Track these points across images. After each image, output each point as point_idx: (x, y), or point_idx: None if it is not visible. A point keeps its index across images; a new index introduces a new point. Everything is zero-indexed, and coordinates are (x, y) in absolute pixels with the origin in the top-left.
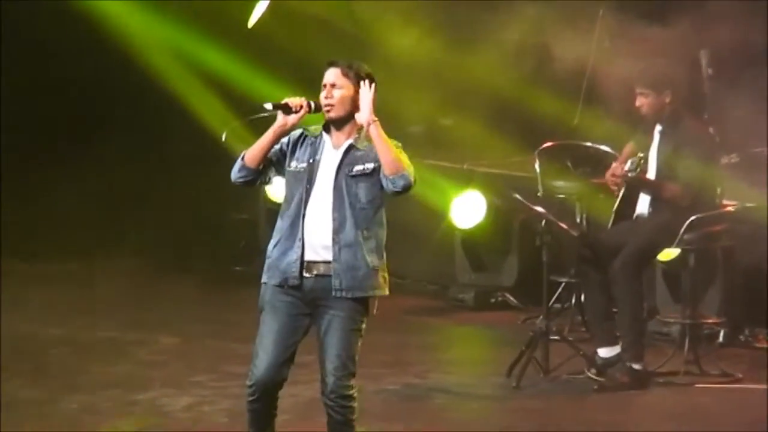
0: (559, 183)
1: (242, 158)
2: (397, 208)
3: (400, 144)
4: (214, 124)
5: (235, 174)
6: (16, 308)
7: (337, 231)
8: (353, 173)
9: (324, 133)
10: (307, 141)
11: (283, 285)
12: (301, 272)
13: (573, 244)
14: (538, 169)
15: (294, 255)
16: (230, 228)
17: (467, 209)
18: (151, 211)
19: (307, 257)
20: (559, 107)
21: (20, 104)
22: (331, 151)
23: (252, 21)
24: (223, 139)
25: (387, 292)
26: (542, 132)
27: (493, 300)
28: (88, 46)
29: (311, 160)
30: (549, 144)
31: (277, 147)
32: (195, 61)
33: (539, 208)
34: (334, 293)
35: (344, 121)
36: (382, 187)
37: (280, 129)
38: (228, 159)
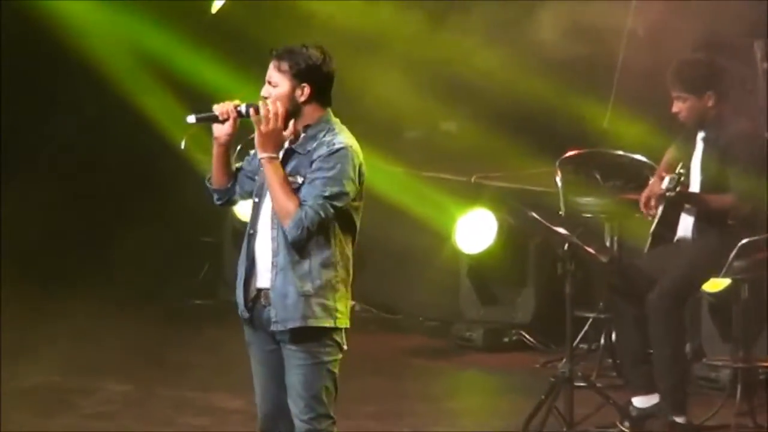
0: (585, 199)
1: (208, 180)
2: (389, 230)
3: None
4: (173, 130)
5: (213, 198)
6: None
7: (274, 253)
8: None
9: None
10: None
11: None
12: (246, 302)
13: (602, 272)
14: (559, 183)
15: (241, 282)
16: (191, 252)
17: (474, 231)
18: (99, 230)
19: (258, 284)
20: (585, 108)
21: None
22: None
23: (216, 6)
24: (182, 146)
25: (332, 324)
26: (565, 137)
27: (505, 339)
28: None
29: (261, 168)
30: (573, 152)
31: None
32: (144, 52)
33: (561, 230)
34: (272, 326)
35: (287, 122)
36: None
37: (217, 143)
38: (186, 172)
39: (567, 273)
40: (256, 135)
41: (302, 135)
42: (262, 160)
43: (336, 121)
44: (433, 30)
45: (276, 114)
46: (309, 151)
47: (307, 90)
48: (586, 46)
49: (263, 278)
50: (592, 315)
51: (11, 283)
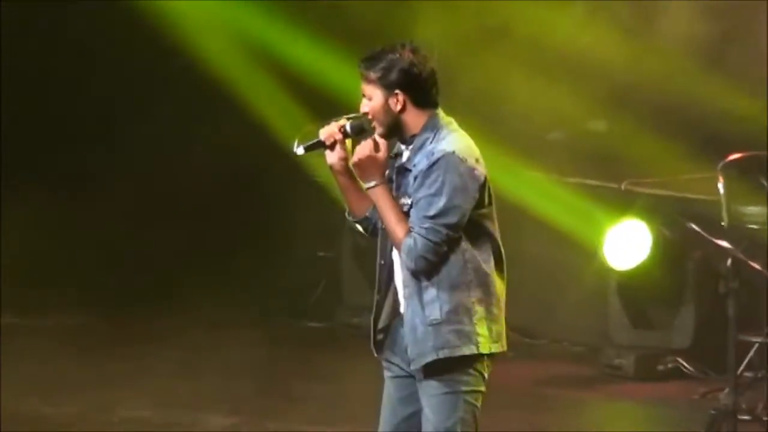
0: (752, 208)
1: (348, 213)
2: (529, 243)
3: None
4: (285, 132)
5: (361, 233)
6: None
7: (405, 283)
8: (403, 210)
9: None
10: (393, 151)
11: None
12: (375, 336)
13: None
14: (722, 190)
15: (372, 316)
16: (304, 268)
17: (625, 244)
18: (205, 247)
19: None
20: (749, 105)
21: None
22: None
23: None
24: (295, 149)
25: (473, 350)
26: (728, 139)
27: (660, 367)
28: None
29: (389, 182)
30: (737, 155)
31: None
32: (253, 44)
33: (724, 243)
34: (410, 364)
35: (391, 133)
36: None
37: (335, 173)
38: (299, 178)
39: (730, 292)
40: (357, 159)
41: (410, 148)
42: (367, 191)
43: (446, 122)
44: (577, 24)
45: (372, 142)
46: (416, 165)
47: (401, 97)
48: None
49: (395, 306)
50: (758, 339)
51: (117, 304)
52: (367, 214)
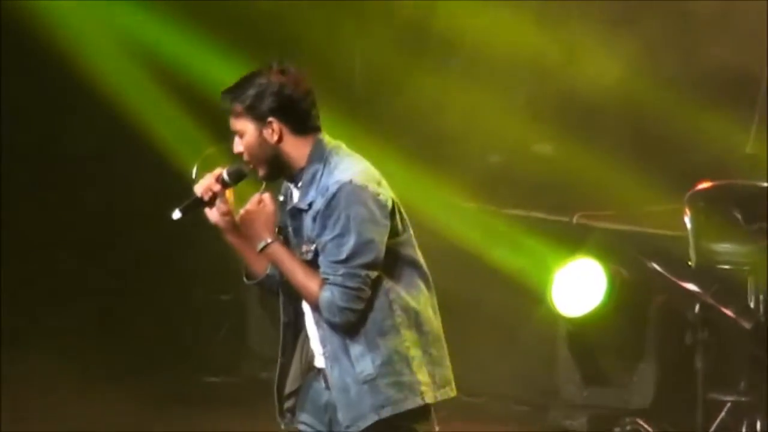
0: (723, 246)
1: (246, 277)
2: (465, 286)
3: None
4: (180, 150)
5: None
6: None
7: (323, 341)
8: (303, 255)
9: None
10: (281, 193)
11: None
12: (282, 406)
13: (743, 341)
14: (689, 225)
15: (275, 383)
16: (202, 312)
17: (577, 287)
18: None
19: (317, 364)
20: (722, 127)
21: None
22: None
23: None
24: (193, 175)
25: (417, 402)
26: (696, 166)
27: (617, 430)
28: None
29: (281, 232)
30: (706, 185)
31: None
32: (149, 53)
33: (691, 286)
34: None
35: (277, 172)
36: None
37: (223, 231)
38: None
39: (698, 343)
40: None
41: (299, 185)
42: (260, 253)
43: (333, 147)
44: (521, 32)
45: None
46: (312, 203)
47: (276, 126)
48: (724, 54)
49: (320, 360)
50: (731, 398)
51: None
52: (267, 272)
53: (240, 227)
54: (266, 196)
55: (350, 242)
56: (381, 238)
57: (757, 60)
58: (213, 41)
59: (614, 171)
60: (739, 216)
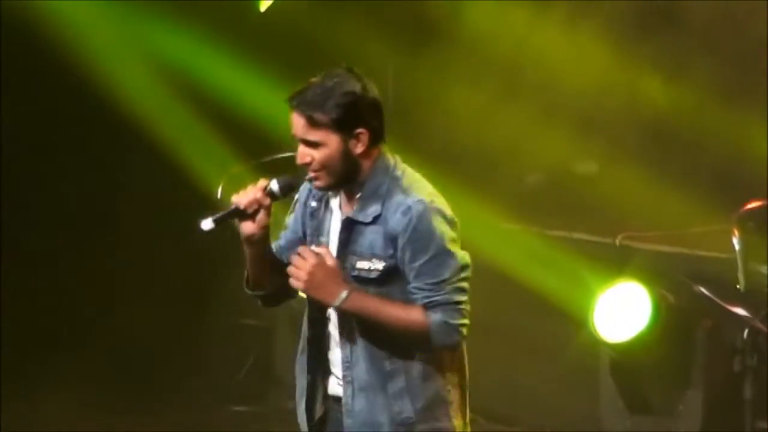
0: None
1: (245, 282)
2: (503, 310)
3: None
4: (206, 170)
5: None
6: None
7: (347, 362)
8: (356, 273)
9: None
10: (311, 197)
11: None
12: (311, 424)
13: None
14: (738, 246)
15: (302, 400)
16: (228, 339)
17: (621, 312)
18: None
19: (333, 391)
20: None
21: None
22: (336, 224)
23: (266, 3)
24: (219, 195)
25: None
26: (746, 184)
27: None
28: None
29: (314, 243)
30: (755, 204)
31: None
32: (170, 70)
33: (740, 310)
34: None
35: (342, 183)
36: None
37: (248, 244)
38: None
39: (747, 370)
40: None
41: (358, 196)
42: (339, 308)
43: (396, 162)
44: (564, 46)
45: (306, 254)
46: (377, 217)
47: (365, 137)
48: None
49: (337, 388)
50: None
51: None
52: (271, 288)
53: (311, 286)
54: (324, 250)
55: (449, 261)
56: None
57: None
58: (242, 58)
59: (659, 190)
60: None
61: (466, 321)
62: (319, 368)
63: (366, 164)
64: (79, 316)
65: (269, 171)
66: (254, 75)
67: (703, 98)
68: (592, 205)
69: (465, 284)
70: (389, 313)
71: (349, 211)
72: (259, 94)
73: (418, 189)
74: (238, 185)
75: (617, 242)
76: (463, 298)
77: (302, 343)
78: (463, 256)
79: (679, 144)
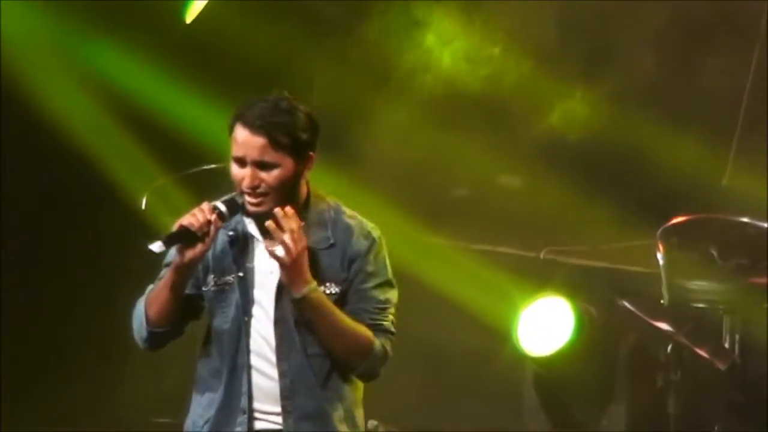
0: (698, 283)
1: (146, 319)
2: (427, 324)
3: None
4: (130, 182)
5: (141, 341)
6: None
7: (286, 393)
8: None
9: (244, 217)
10: (222, 230)
11: None
12: None
13: (719, 383)
14: (662, 261)
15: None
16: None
17: (544, 326)
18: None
19: (258, 427)
20: (698, 157)
21: None
22: (265, 254)
23: (192, 13)
24: (143, 206)
25: None
26: (669, 198)
27: None
28: None
29: (241, 272)
30: (680, 219)
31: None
32: (94, 79)
33: (664, 325)
34: None
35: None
36: None
37: (182, 266)
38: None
39: (671, 385)
40: (281, 268)
41: (302, 224)
42: (302, 299)
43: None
44: (487, 59)
45: (299, 226)
46: (334, 243)
47: (311, 161)
48: (701, 76)
49: (262, 423)
50: None
51: None
52: (170, 326)
53: (286, 270)
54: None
55: (392, 291)
56: None
57: (738, 87)
58: (167, 68)
59: (584, 205)
60: (714, 252)
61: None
62: (227, 414)
63: (303, 188)
64: None
65: (194, 183)
66: (179, 86)
67: (628, 113)
68: (516, 219)
69: (395, 319)
70: (342, 317)
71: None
72: (184, 106)
73: (358, 215)
74: (162, 198)
75: (541, 256)
76: (395, 331)
77: (216, 398)
78: (397, 292)
79: (603, 159)
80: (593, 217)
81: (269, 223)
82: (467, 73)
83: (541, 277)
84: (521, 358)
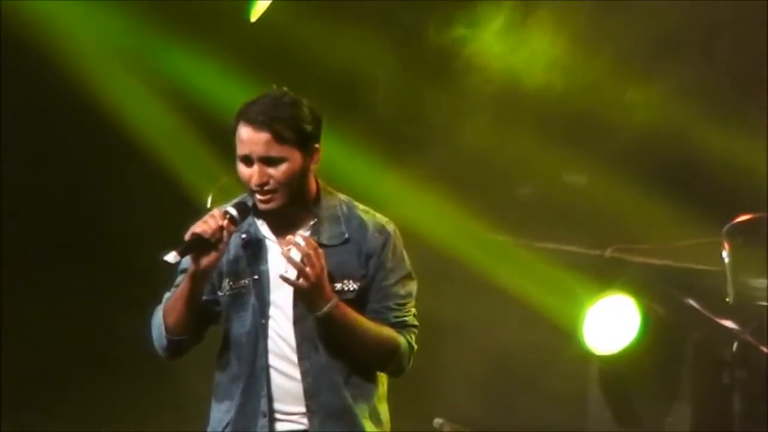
0: (762, 281)
1: (165, 328)
2: (490, 322)
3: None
4: (196, 180)
5: (161, 350)
6: None
7: (310, 393)
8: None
9: (255, 218)
10: (234, 234)
11: None
12: None
13: None
14: (727, 259)
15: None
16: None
17: (609, 324)
18: None
19: (280, 428)
20: (764, 156)
21: None
22: (278, 255)
23: (256, 12)
24: (209, 204)
25: None
26: (736, 197)
27: None
28: None
29: (256, 275)
30: (745, 217)
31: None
32: (160, 78)
33: (729, 323)
34: None
35: (292, 204)
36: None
37: (197, 271)
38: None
39: (736, 382)
40: (299, 292)
41: (314, 222)
42: (322, 317)
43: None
44: (552, 57)
45: (315, 249)
46: (348, 239)
47: (317, 154)
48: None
49: (285, 425)
50: None
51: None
52: (192, 330)
53: (307, 289)
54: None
55: (411, 284)
56: None
57: None
58: (231, 66)
59: (650, 203)
60: None
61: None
62: (255, 414)
63: (312, 185)
64: None
65: None
66: (244, 84)
67: (695, 111)
68: (581, 217)
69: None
70: (366, 326)
71: (299, 234)
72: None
73: (374, 211)
74: (228, 196)
75: (607, 254)
76: (417, 323)
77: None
78: (416, 282)
79: (669, 156)
80: (659, 215)
81: (284, 253)
82: (532, 70)
83: (607, 275)
84: (586, 356)
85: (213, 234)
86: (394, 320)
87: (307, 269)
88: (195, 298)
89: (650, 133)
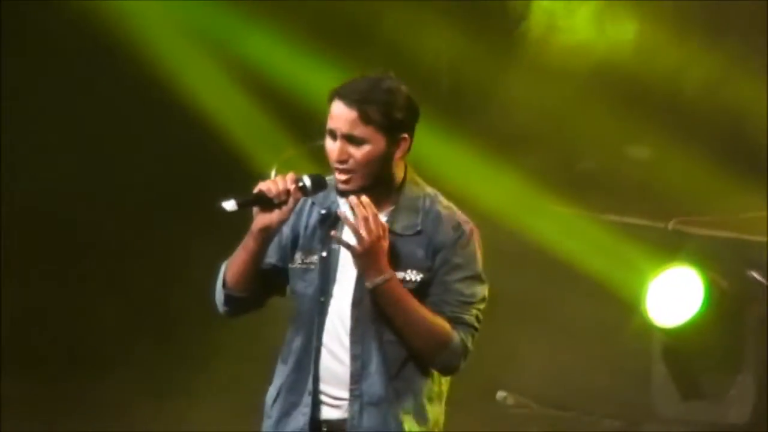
0: None
1: (223, 282)
2: (554, 296)
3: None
4: (257, 154)
5: (220, 304)
6: None
7: (356, 377)
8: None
9: (339, 197)
10: (315, 208)
11: None
12: None
13: None
14: None
15: (301, 417)
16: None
17: (673, 297)
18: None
19: (325, 415)
20: None
21: None
22: (352, 235)
23: None
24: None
25: None
26: None
27: None
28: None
29: (325, 252)
30: None
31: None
32: (222, 51)
33: None
34: None
35: (372, 188)
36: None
37: (258, 234)
38: None
39: None
40: (352, 257)
41: (392, 208)
42: (374, 289)
43: (418, 177)
44: (612, 26)
45: (375, 215)
46: (421, 231)
47: (405, 144)
48: None
49: (334, 410)
50: None
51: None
52: (253, 289)
53: (359, 258)
54: (380, 218)
55: (480, 286)
56: None
57: None
58: (295, 40)
59: (712, 175)
60: None
61: (472, 349)
62: (302, 391)
63: (398, 173)
64: None
65: (323, 156)
66: (309, 59)
67: (757, 82)
68: (644, 189)
69: (481, 315)
70: (419, 309)
71: (353, 197)
72: (314, 81)
73: (458, 210)
74: (291, 169)
75: (670, 227)
76: (479, 326)
77: (284, 379)
78: (486, 287)
79: (733, 129)
80: (721, 188)
81: (341, 212)
82: (595, 43)
83: (670, 247)
84: (649, 329)
85: (277, 195)
86: (450, 314)
87: (363, 232)
88: (254, 257)
89: (717, 105)
